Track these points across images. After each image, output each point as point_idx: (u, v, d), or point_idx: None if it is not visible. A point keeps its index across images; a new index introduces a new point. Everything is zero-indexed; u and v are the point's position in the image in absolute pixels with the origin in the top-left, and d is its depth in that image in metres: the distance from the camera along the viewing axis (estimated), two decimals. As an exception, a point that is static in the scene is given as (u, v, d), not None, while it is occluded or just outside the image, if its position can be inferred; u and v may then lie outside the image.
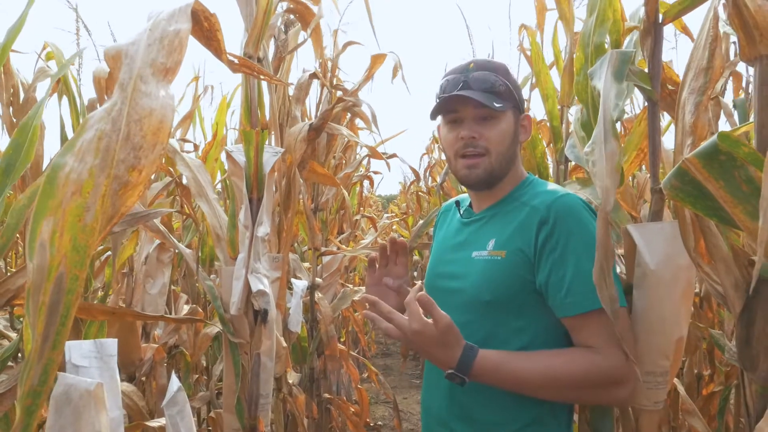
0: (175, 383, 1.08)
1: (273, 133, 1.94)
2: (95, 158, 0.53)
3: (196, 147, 3.73)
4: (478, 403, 1.20)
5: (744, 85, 2.63)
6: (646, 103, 1.39)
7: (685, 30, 1.98)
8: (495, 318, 1.18)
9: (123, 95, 0.57)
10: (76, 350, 0.85)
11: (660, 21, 1.13)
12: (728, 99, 2.56)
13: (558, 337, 1.17)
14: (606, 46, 1.35)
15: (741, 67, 2.49)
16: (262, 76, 1.22)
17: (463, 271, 1.26)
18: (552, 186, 1.27)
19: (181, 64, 0.62)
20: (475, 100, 1.19)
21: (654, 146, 1.22)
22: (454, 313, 1.07)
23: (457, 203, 1.44)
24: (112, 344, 0.88)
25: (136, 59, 0.60)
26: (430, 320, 1.03)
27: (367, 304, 1.08)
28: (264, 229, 1.50)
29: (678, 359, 1.10)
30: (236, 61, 1.00)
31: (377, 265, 1.38)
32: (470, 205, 1.38)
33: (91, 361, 0.85)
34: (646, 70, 1.21)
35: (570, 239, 1.13)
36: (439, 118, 1.31)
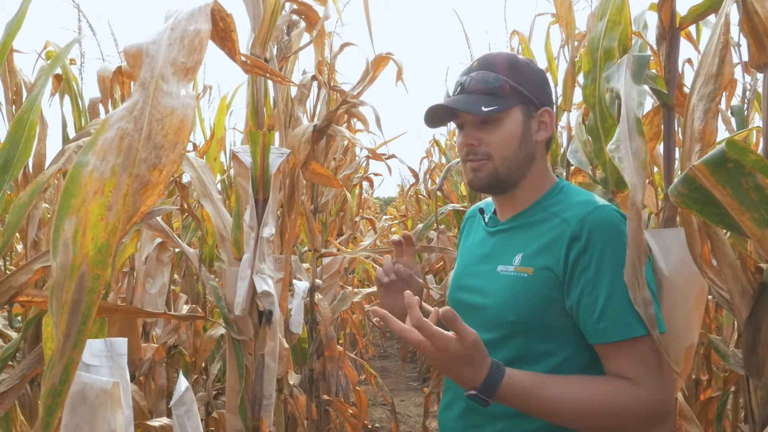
0: (183, 383, 1.08)
1: (278, 134, 1.94)
2: (117, 157, 0.53)
3: (195, 147, 3.73)
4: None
5: (741, 91, 2.65)
6: (652, 108, 1.40)
7: (689, 37, 2.00)
8: (521, 339, 1.08)
9: (145, 94, 0.57)
10: (87, 349, 0.85)
11: (677, 26, 1.12)
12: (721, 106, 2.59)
13: (592, 360, 1.07)
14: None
15: (736, 74, 2.51)
16: (273, 77, 1.22)
17: (488, 286, 1.16)
18: (586, 195, 1.14)
19: (200, 63, 0.62)
20: (455, 108, 1.11)
21: (669, 151, 1.21)
22: (478, 330, 0.97)
23: (481, 210, 1.33)
24: (122, 343, 0.88)
25: (158, 58, 0.60)
26: (451, 334, 0.93)
27: (376, 318, 1.01)
28: (269, 230, 1.50)
29: (687, 366, 1.09)
30: (248, 62, 1.00)
31: (387, 278, 1.26)
32: (495, 212, 1.26)
33: (101, 360, 0.85)
34: (654, 71, 1.22)
35: (604, 258, 1.03)
36: None
